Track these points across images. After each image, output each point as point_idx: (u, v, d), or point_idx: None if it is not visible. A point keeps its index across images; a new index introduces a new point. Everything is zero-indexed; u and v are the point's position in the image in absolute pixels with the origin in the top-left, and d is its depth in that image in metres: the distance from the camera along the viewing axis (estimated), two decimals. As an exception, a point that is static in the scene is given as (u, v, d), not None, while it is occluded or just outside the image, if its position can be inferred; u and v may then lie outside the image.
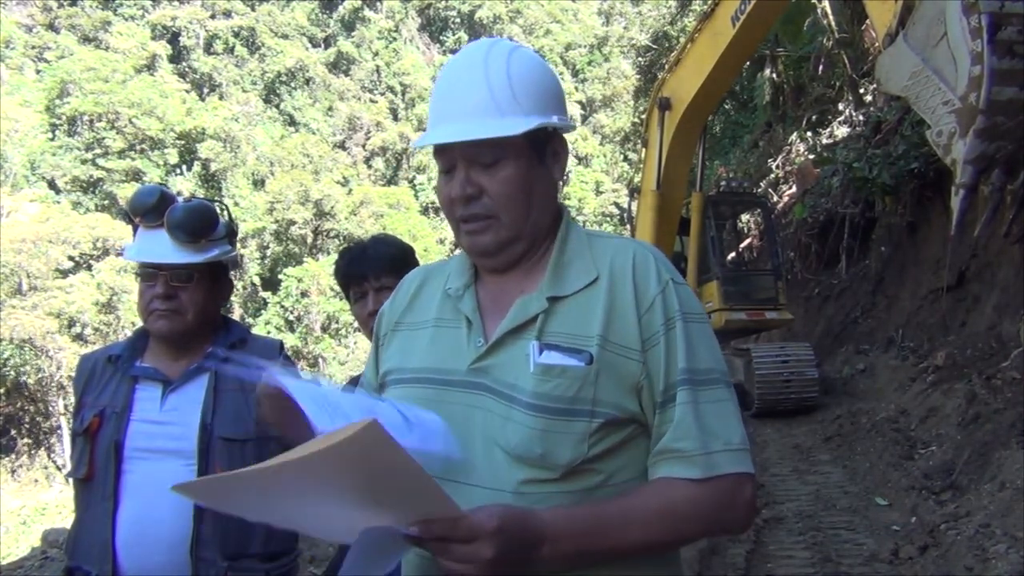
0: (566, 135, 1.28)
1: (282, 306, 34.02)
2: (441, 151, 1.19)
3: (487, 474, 1.10)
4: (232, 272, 2.02)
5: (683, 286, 1.19)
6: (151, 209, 1.87)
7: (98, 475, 1.80)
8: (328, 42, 49.82)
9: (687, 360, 1.12)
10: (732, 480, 1.11)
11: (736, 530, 1.21)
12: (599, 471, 1.12)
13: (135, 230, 1.93)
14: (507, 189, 1.16)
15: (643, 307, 1.14)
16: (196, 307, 1.88)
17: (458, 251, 1.31)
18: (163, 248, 1.86)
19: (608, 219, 39.49)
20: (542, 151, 1.21)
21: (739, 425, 1.15)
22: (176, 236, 1.86)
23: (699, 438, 1.10)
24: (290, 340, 30.81)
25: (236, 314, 33.02)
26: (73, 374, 2.09)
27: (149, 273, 1.88)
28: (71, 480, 1.91)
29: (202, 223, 1.89)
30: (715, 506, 1.11)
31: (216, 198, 2.31)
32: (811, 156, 15.06)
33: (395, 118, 46.79)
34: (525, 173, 1.18)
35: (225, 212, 1.99)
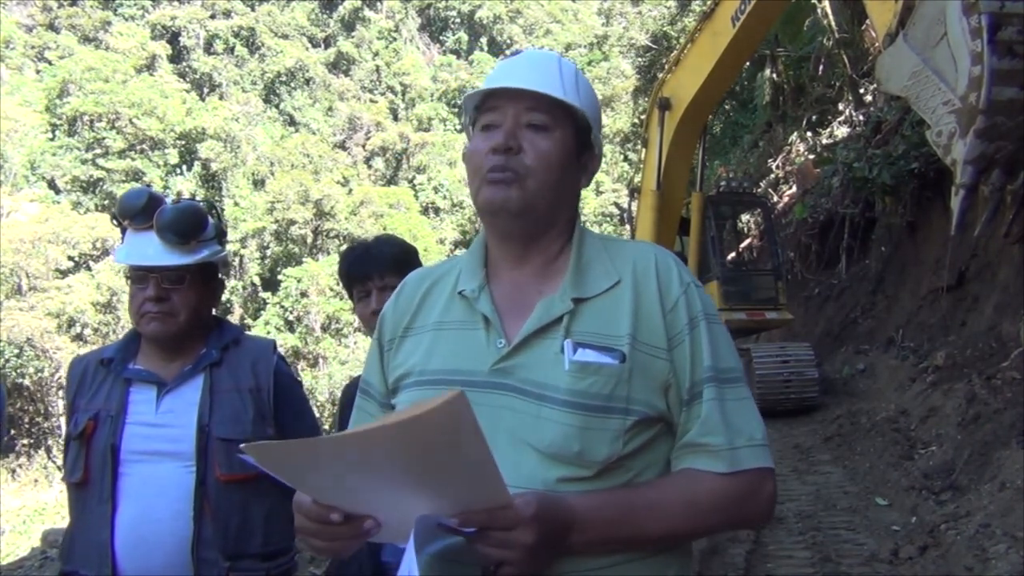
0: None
1: (282, 306, 33.97)
2: (493, 108, 1.22)
3: (514, 474, 1.09)
4: (222, 272, 2.02)
5: (701, 289, 1.23)
6: (139, 211, 1.88)
7: (94, 479, 1.79)
8: (328, 42, 49.78)
9: (712, 359, 1.16)
10: (755, 475, 1.15)
11: (757, 523, 1.25)
12: (630, 468, 1.14)
13: (124, 233, 1.92)
14: (545, 158, 1.20)
15: (667, 307, 1.17)
16: (188, 309, 1.88)
17: (459, 252, 1.31)
18: (153, 250, 1.86)
19: (608, 219, 39.35)
20: (581, 151, 1.26)
21: (760, 422, 1.19)
22: (165, 238, 1.86)
23: (725, 434, 1.14)
24: (290, 340, 30.79)
25: (236, 314, 33.04)
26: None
27: (140, 276, 1.88)
28: (66, 484, 1.90)
29: (191, 224, 1.88)
30: (738, 499, 1.14)
31: (210, 198, 2.30)
32: (811, 156, 15.05)
33: (395, 118, 46.71)
34: (565, 154, 1.22)
35: (214, 212, 1.99)
